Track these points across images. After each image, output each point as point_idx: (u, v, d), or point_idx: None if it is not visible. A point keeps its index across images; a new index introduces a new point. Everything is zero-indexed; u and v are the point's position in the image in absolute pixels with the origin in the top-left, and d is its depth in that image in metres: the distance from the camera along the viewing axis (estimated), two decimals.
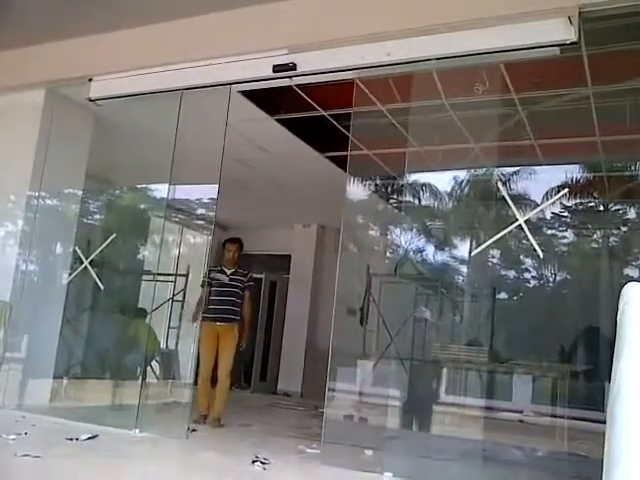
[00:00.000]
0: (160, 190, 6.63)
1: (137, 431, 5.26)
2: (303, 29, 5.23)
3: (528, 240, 4.83)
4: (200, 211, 11.85)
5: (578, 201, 8.59)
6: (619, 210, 8.68)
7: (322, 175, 8.67)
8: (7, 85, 6.58)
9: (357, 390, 9.89)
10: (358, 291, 9.16)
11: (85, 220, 7.33)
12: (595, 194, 8.49)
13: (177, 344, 10.02)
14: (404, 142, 6.02)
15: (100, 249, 6.57)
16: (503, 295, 9.26)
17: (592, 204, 8.73)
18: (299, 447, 5.31)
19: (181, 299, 9.62)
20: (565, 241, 8.85)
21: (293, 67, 5.20)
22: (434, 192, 8.68)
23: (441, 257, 9.14)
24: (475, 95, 5.38)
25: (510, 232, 4.86)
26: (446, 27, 4.65)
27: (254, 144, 7.78)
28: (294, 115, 6.98)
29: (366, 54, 4.97)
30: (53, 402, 6.34)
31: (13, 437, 4.44)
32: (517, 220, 4.82)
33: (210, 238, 6.84)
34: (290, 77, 5.39)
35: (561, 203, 8.19)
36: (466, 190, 8.19)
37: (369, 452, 5.22)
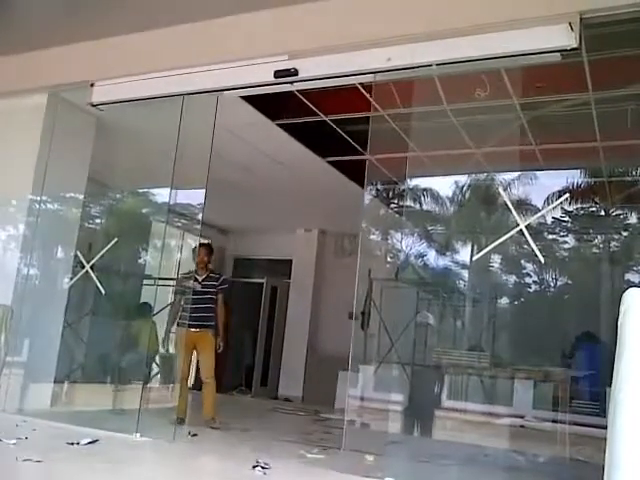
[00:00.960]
0: (162, 194, 6.63)
1: (138, 435, 5.25)
2: (304, 35, 5.24)
3: (529, 245, 4.83)
4: (200, 215, 11.87)
5: (579, 206, 8.59)
6: (620, 215, 8.68)
7: (323, 180, 8.69)
8: (9, 89, 6.59)
9: (358, 395, 9.89)
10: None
11: (86, 224, 7.34)
12: (596, 199, 8.50)
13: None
14: (410, 147, 6.01)
15: (101, 253, 6.58)
16: (504, 300, 9.26)
17: (593, 209, 8.74)
18: (300, 452, 5.30)
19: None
20: (566, 246, 8.85)
21: (294, 73, 5.21)
22: (435, 197, 8.69)
23: (442, 262, 9.14)
24: (476, 100, 5.39)
25: (511, 237, 4.86)
26: (447, 33, 4.66)
27: (255, 149, 7.79)
28: (295, 120, 6.99)
29: (367, 60, 4.98)
30: (54, 406, 6.33)
31: (14, 441, 4.44)
32: (518, 225, 4.82)
33: (196, 244, 6.98)
34: (291, 82, 5.41)
35: (562, 208, 8.20)
36: (467, 195, 8.20)
37: (370, 457, 5.22)
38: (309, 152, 7.70)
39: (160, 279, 8.31)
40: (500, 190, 6.32)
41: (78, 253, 6.56)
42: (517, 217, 4.88)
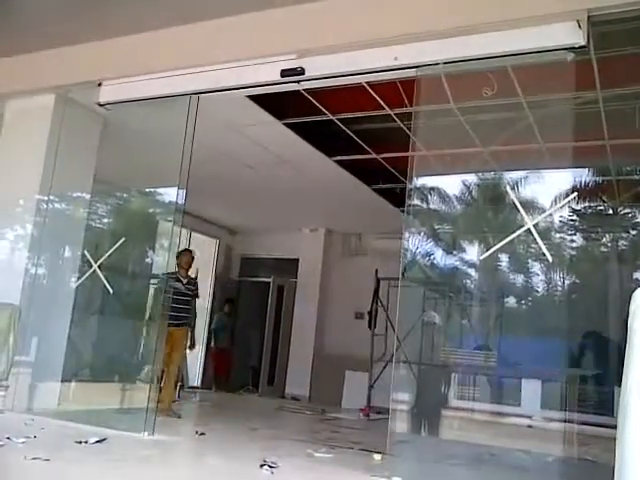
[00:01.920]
0: (169, 194, 6.63)
1: (146, 434, 5.26)
2: (311, 34, 5.24)
3: (537, 244, 4.81)
4: (209, 215, 11.90)
5: (587, 204, 8.55)
6: (629, 214, 8.64)
7: (329, 179, 8.69)
8: (17, 90, 6.62)
9: (367, 394, 9.89)
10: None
11: (93, 224, 7.36)
12: (604, 198, 8.45)
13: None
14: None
15: (109, 253, 6.59)
16: (512, 299, 9.23)
17: (601, 208, 8.69)
18: (307, 451, 5.30)
19: None
20: (574, 245, 8.81)
21: (301, 72, 5.21)
22: (442, 196, 8.66)
23: (450, 261, 9.12)
24: (484, 98, 5.37)
25: (519, 236, 4.84)
26: (454, 31, 4.65)
27: (262, 148, 7.80)
28: (303, 119, 6.99)
29: (373, 58, 4.97)
30: (62, 405, 6.35)
31: (22, 440, 4.45)
32: (526, 224, 4.80)
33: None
34: (298, 82, 5.41)
35: (570, 207, 8.16)
36: (475, 194, 8.18)
37: (378, 456, 5.21)
38: (316, 151, 7.70)
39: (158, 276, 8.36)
40: (508, 189, 6.29)
41: (85, 252, 6.57)
42: (525, 216, 4.86)
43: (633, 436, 2.08)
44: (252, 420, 7.57)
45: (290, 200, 10.18)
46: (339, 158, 8.00)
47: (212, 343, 11.97)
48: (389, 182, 8.69)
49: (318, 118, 6.86)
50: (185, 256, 7.44)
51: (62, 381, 6.44)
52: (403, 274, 5.43)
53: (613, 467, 2.13)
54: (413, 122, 5.38)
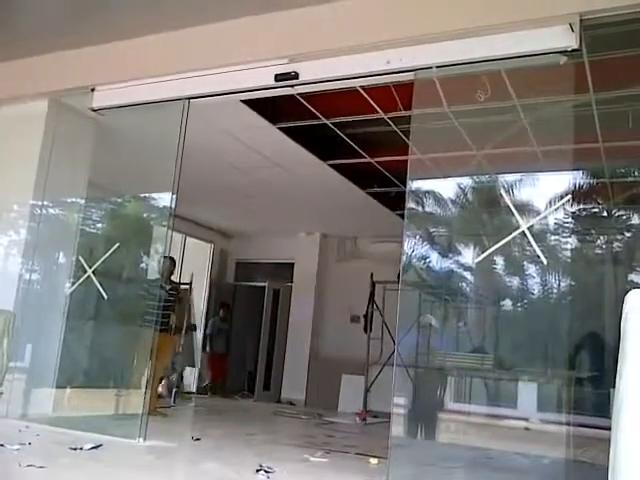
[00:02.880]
0: (163, 199, 6.62)
1: (141, 440, 5.24)
2: (305, 38, 5.24)
3: (531, 247, 4.82)
4: (203, 219, 11.89)
5: (581, 207, 8.56)
6: (622, 216, 8.66)
7: (324, 183, 8.69)
8: (10, 95, 6.60)
9: (363, 398, 9.87)
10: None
11: (88, 229, 7.34)
12: (599, 200, 8.47)
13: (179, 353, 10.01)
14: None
15: (103, 258, 6.57)
16: (507, 302, 9.23)
17: (596, 210, 8.71)
18: (303, 456, 5.29)
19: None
20: (568, 247, 8.83)
21: (295, 76, 5.21)
22: (437, 199, 8.66)
23: (445, 264, 9.12)
24: (477, 102, 5.38)
25: (513, 239, 4.85)
26: (447, 35, 4.66)
27: (256, 152, 7.80)
28: (297, 123, 6.99)
29: (367, 62, 4.98)
30: (56, 411, 6.33)
31: (17, 447, 4.43)
32: (520, 227, 4.80)
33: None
34: (292, 86, 5.41)
35: (564, 209, 8.17)
36: (469, 197, 8.18)
37: (374, 460, 5.21)
38: (310, 155, 7.70)
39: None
40: (502, 192, 6.30)
41: (80, 258, 6.55)
42: (519, 219, 4.87)
43: (627, 436, 2.09)
44: (248, 425, 7.55)
45: (285, 204, 10.18)
46: (334, 162, 8.00)
47: (207, 348, 11.95)
48: (384, 186, 8.70)
49: (312, 122, 6.86)
50: (168, 264, 7.69)
51: (57, 387, 6.42)
52: (399, 277, 5.42)
53: (607, 468, 2.13)
54: (411, 125, 5.38)
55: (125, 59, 6.06)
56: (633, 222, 8.54)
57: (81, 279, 6.45)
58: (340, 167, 8.17)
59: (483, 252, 5.29)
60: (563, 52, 4.38)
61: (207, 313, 12.40)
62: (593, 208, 8.67)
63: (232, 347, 12.42)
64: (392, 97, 6.03)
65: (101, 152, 6.61)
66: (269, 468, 4.38)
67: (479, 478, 5.12)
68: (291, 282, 12.21)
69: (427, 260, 8.59)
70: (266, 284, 12.13)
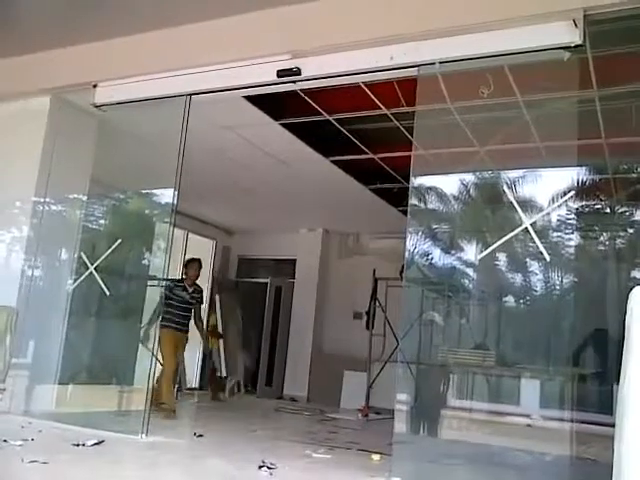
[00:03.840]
0: (165, 195, 6.62)
1: (144, 436, 5.25)
2: (307, 34, 5.23)
3: (534, 243, 4.80)
4: (206, 216, 11.88)
5: (584, 203, 8.54)
6: (626, 212, 8.64)
7: (327, 179, 8.68)
8: (13, 91, 6.60)
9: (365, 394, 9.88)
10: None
11: (90, 225, 7.34)
12: (602, 196, 8.45)
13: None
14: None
15: (105, 255, 6.57)
16: (510, 298, 9.22)
17: (599, 206, 8.69)
18: (306, 452, 5.29)
19: None
20: (572, 244, 8.81)
21: (297, 72, 5.20)
22: (440, 195, 8.64)
23: (448, 260, 9.11)
24: (480, 98, 5.36)
25: (516, 236, 4.84)
26: (450, 31, 4.64)
27: (258, 148, 7.79)
28: (299, 119, 6.98)
29: (369, 58, 4.96)
30: (59, 407, 6.34)
31: (20, 443, 4.44)
32: (523, 223, 4.79)
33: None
34: (294, 82, 5.39)
35: (567, 206, 8.15)
36: (472, 193, 8.16)
37: (377, 457, 5.20)
38: (312, 151, 7.69)
39: (165, 280, 8.32)
40: (505, 188, 6.28)
41: (82, 254, 6.55)
42: (522, 215, 4.85)
43: (631, 432, 2.08)
44: (250, 421, 7.56)
45: (287, 200, 10.17)
46: (336, 158, 7.99)
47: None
48: (386, 182, 8.69)
49: (315, 118, 6.85)
50: (192, 268, 7.64)
51: (59, 383, 6.42)
52: (401, 274, 5.41)
53: (612, 465, 2.12)
54: (415, 122, 5.36)
55: (127, 55, 6.05)
56: (636, 218, 8.52)
57: (83, 275, 6.45)
58: (342, 163, 8.16)
59: (486, 249, 5.27)
60: (566, 48, 4.36)
61: (209, 309, 12.39)
62: (596, 204, 8.65)
63: (234, 343, 12.41)
64: (395, 93, 6.02)
65: (103, 148, 6.59)
66: (272, 464, 4.38)
67: (482, 475, 5.11)
68: (293, 278, 12.20)
69: (430, 256, 8.58)
70: (268, 280, 12.12)
